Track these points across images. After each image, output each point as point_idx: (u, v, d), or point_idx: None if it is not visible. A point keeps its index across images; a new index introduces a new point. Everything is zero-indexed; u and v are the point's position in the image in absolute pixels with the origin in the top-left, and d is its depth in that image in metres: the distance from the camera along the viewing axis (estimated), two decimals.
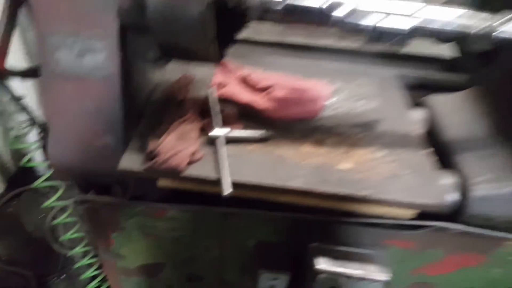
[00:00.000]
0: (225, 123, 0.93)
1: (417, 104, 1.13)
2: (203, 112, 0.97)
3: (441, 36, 0.78)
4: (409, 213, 0.85)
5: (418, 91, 1.20)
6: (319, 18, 0.75)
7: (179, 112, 0.93)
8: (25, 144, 1.47)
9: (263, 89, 1.02)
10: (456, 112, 1.08)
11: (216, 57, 0.78)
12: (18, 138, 1.61)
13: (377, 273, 0.88)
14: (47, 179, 1.30)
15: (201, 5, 0.69)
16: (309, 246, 0.91)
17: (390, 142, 0.95)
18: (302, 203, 0.86)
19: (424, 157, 0.92)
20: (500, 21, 0.75)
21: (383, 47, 0.84)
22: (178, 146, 0.83)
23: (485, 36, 0.74)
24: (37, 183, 1.31)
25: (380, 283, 0.88)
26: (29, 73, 0.95)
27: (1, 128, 2.07)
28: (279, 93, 0.98)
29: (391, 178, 0.85)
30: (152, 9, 0.71)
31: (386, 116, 1.02)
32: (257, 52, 1.26)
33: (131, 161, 0.85)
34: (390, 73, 1.20)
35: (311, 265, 0.89)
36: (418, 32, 0.76)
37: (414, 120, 1.06)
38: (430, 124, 1.07)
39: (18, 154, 1.82)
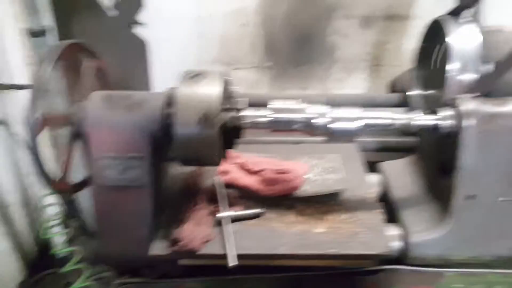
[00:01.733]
0: (230, 204, 1.23)
1: (375, 167, 1.47)
2: (213, 197, 1.27)
3: (376, 129, 1.13)
4: (367, 262, 1.15)
5: (380, 152, 1.62)
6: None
7: (194, 201, 1.24)
8: (55, 234, 1.71)
9: (257, 172, 1.34)
10: (401, 175, 1.44)
11: (221, 161, 1.12)
12: (48, 229, 1.84)
13: None
14: (71, 263, 1.52)
15: (213, 131, 1.02)
16: None
17: (352, 206, 1.26)
18: (289, 264, 1.16)
19: (376, 216, 1.22)
20: (414, 116, 1.11)
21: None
22: (195, 231, 1.12)
23: (405, 125, 1.11)
24: (66, 268, 1.53)
25: None
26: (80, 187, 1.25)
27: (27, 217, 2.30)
28: (268, 175, 1.31)
29: (351, 236, 1.15)
30: (177, 136, 1.03)
31: (349, 184, 1.34)
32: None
33: (159, 248, 1.14)
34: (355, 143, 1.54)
35: None
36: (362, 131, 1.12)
37: (371, 184, 1.38)
38: (383, 186, 1.41)
39: (40, 240, 1.99)
